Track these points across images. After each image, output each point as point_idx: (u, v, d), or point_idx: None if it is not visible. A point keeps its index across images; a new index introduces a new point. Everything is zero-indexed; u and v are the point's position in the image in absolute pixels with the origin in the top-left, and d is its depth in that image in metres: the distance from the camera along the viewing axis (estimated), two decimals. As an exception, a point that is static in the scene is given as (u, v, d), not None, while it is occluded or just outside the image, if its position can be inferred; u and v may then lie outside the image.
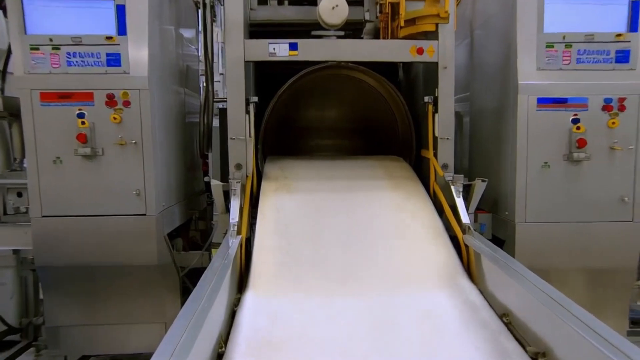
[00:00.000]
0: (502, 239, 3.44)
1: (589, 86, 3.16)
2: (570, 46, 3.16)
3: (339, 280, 2.62)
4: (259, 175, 3.49)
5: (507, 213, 3.37)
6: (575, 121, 3.14)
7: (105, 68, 3.02)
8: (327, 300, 2.45)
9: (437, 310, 2.37)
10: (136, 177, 3.07)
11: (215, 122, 4.05)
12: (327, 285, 2.57)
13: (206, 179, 4.40)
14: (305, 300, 2.45)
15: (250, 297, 2.43)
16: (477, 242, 2.75)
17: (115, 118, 3.00)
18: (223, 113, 3.82)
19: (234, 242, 2.67)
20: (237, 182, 3.13)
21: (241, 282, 2.67)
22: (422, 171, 3.67)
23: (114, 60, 3.01)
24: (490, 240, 3.06)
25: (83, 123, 2.98)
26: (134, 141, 3.04)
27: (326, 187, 3.32)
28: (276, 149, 4.34)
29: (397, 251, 2.82)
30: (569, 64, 3.18)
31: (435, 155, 3.42)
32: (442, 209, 3.18)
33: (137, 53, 3.02)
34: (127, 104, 3.02)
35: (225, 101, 3.39)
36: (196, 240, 4.17)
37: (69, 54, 2.99)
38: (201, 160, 4.39)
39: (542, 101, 3.17)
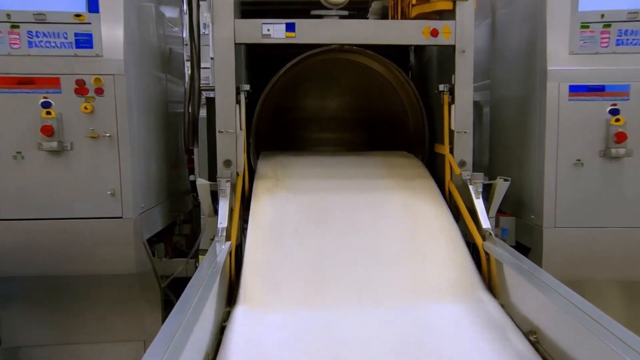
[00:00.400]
0: (527, 246, 3.43)
1: (630, 72, 3.14)
2: (610, 26, 3.13)
3: (340, 294, 2.60)
4: (251, 173, 3.49)
5: (533, 217, 3.36)
6: (614, 112, 3.13)
7: (74, 50, 2.99)
8: (324, 315, 2.43)
9: (452, 327, 2.35)
10: (110, 175, 3.05)
11: (202, 113, 4.02)
12: (325, 299, 2.56)
13: (192, 177, 4.38)
14: (303, 315, 2.44)
15: (240, 311, 2.42)
16: (498, 250, 2.74)
17: (86, 108, 2.98)
18: (211, 103, 3.79)
19: (222, 249, 2.67)
20: (226, 181, 3.11)
21: (231, 294, 2.67)
22: (435, 169, 3.67)
23: (84, 41, 2.98)
24: (513, 247, 3.05)
25: (48, 113, 2.96)
26: (107, 134, 3.02)
27: (326, 186, 3.32)
28: (270, 143, 4.35)
29: (406, 260, 2.81)
30: (607, 46, 3.15)
31: (451, 150, 3.41)
32: (459, 212, 3.17)
33: (111, 33, 3.00)
34: (99, 91, 3.00)
35: (213, 89, 3.37)
36: (180, 246, 4.17)
37: (30, 33, 2.95)
38: (186, 156, 4.39)
39: (575, 89, 3.15)
